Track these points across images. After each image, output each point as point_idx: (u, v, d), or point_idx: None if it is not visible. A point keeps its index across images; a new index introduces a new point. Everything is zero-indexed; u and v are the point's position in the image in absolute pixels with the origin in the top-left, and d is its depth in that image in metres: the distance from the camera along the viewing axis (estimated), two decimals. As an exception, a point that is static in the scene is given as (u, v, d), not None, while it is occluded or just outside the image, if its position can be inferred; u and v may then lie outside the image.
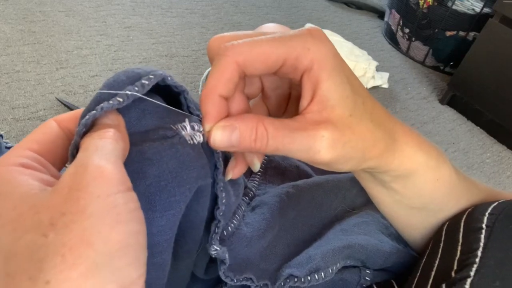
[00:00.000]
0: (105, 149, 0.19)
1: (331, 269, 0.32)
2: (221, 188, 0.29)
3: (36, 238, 0.16)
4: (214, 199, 0.29)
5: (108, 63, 1.24)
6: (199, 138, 0.25)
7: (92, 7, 1.46)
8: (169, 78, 0.25)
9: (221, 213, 0.29)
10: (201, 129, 0.25)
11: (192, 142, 0.25)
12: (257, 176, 0.44)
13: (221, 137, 0.22)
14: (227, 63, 0.22)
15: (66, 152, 0.22)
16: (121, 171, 0.19)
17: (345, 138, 0.23)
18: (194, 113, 0.27)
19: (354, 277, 0.34)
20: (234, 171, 0.28)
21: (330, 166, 0.24)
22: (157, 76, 0.24)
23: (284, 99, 0.28)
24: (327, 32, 1.61)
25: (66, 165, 0.23)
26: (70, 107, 1.04)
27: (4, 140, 0.45)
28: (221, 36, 0.24)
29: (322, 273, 0.32)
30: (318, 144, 0.22)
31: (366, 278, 0.34)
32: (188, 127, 0.25)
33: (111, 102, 0.22)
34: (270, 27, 0.65)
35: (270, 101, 0.28)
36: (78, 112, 0.23)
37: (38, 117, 1.01)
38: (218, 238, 0.29)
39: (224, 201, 0.29)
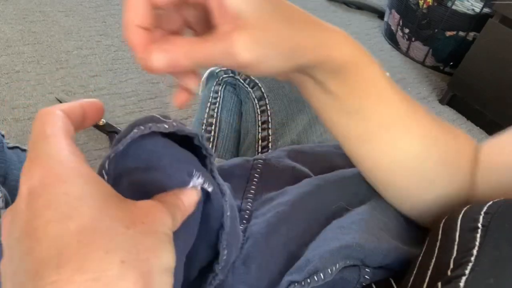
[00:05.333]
0: (176, 216, 0.23)
1: (330, 270, 0.32)
2: (224, 246, 0.30)
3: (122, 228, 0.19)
4: (214, 249, 0.31)
5: (108, 63, 1.24)
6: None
7: (92, 7, 1.46)
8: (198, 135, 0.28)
9: (220, 267, 0.31)
10: (205, 184, 0.27)
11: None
12: (253, 183, 0.44)
13: (156, 59, 0.25)
14: None
15: None
16: None
17: (258, 35, 0.25)
18: (208, 155, 0.29)
19: (354, 275, 0.34)
20: (178, 101, 0.31)
21: (258, 68, 0.26)
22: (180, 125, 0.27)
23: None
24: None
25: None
26: (70, 107, 1.05)
27: (5, 140, 0.45)
28: None
29: (321, 274, 0.31)
30: (235, 45, 0.25)
31: (366, 276, 0.34)
32: (200, 179, 0.27)
33: (158, 125, 0.25)
34: None
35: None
36: (72, 105, 0.25)
37: (38, 117, 1.01)
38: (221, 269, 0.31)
39: (225, 257, 0.30)
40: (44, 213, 0.18)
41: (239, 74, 0.55)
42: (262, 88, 0.53)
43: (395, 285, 0.33)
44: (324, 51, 0.29)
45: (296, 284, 0.31)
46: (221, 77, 0.56)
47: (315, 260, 0.32)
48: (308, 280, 0.31)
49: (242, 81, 0.54)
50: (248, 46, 0.25)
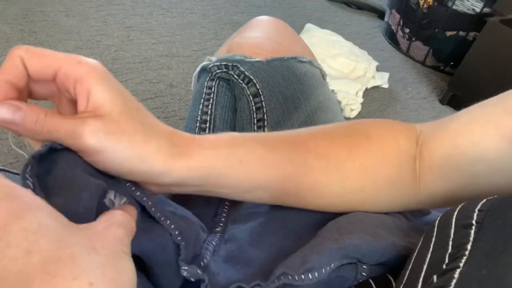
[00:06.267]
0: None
1: (324, 269, 0.32)
2: (167, 222, 0.31)
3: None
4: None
5: (108, 63, 1.24)
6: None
7: (92, 7, 1.46)
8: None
9: (178, 237, 0.31)
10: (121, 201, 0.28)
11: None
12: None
13: (5, 112, 0.25)
14: (12, 54, 0.26)
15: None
16: None
17: (108, 129, 0.26)
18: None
19: (351, 273, 0.34)
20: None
21: (103, 159, 0.27)
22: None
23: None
24: (326, 32, 1.62)
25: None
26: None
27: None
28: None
29: (316, 273, 0.32)
30: (81, 128, 0.26)
31: (363, 273, 0.34)
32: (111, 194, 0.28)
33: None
34: (263, 20, 0.64)
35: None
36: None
37: (37, 117, 1.02)
38: (184, 259, 0.31)
39: (177, 232, 0.31)
40: (5, 253, 0.19)
41: (232, 69, 0.53)
42: (257, 85, 0.51)
43: (392, 280, 0.33)
44: (186, 162, 0.31)
45: (290, 276, 0.31)
46: (215, 72, 0.54)
47: (312, 260, 0.32)
48: (303, 277, 0.31)
49: (236, 77, 0.53)
50: (94, 130, 0.26)
